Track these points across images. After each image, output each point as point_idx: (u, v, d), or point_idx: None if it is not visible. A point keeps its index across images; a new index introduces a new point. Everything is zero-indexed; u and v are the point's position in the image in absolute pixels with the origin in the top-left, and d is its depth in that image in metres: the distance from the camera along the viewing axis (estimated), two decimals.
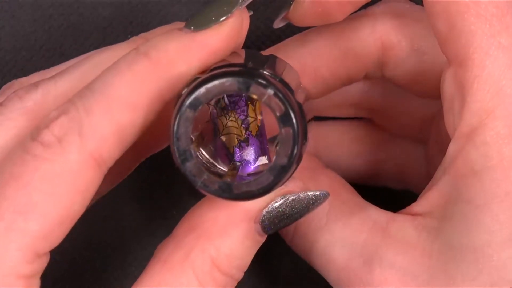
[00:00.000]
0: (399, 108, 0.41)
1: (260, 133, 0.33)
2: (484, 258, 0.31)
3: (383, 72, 0.38)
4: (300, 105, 0.29)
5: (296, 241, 0.36)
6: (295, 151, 0.29)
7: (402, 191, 0.42)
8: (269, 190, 0.29)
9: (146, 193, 0.44)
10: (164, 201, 0.43)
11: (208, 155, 0.32)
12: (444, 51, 0.32)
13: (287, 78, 0.30)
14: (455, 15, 0.31)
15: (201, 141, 0.32)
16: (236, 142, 0.32)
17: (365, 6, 0.37)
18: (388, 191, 0.43)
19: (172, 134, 0.29)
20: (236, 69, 0.29)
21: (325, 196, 0.32)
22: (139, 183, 0.43)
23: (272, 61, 0.32)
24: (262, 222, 0.31)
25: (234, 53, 0.32)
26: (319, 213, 0.34)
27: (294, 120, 0.28)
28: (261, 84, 0.28)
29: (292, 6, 0.35)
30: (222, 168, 0.32)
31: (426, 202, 0.33)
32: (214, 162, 0.32)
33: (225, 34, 0.31)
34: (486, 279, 0.31)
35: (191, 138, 0.29)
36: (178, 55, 0.30)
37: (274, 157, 0.29)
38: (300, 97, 0.30)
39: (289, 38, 0.39)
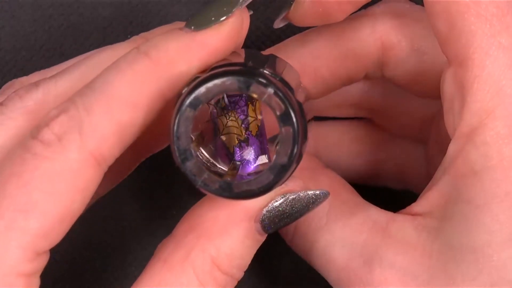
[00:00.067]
0: (399, 108, 0.41)
1: (260, 133, 0.33)
2: (484, 258, 0.31)
3: (383, 72, 0.38)
4: (300, 104, 0.29)
5: (296, 241, 0.36)
6: (295, 150, 0.29)
7: (402, 191, 0.42)
8: (269, 189, 0.29)
9: (146, 193, 0.44)
10: (164, 201, 0.43)
11: (208, 154, 0.32)
12: (444, 51, 0.32)
13: (287, 77, 0.30)
14: (455, 15, 0.31)
15: (201, 140, 0.32)
16: (236, 141, 0.32)
17: (365, 6, 0.36)
18: (388, 191, 0.43)
19: (172, 133, 0.29)
20: (236, 68, 0.29)
21: (325, 195, 0.32)
22: (139, 183, 0.43)
23: (272, 60, 0.32)
24: (262, 221, 0.31)
25: (234, 52, 0.32)
26: (319, 213, 0.34)
27: (294, 119, 0.28)
28: (261, 83, 0.28)
29: (292, 6, 0.35)
30: (222, 167, 0.32)
31: (426, 202, 0.33)
32: (214, 162, 0.32)
33: (225, 34, 0.31)
34: (486, 279, 0.31)
35: (191, 138, 0.29)
36: (178, 54, 0.30)
37: (274, 156, 0.29)
38: (300, 97, 0.30)
39: (289, 38, 0.39)
